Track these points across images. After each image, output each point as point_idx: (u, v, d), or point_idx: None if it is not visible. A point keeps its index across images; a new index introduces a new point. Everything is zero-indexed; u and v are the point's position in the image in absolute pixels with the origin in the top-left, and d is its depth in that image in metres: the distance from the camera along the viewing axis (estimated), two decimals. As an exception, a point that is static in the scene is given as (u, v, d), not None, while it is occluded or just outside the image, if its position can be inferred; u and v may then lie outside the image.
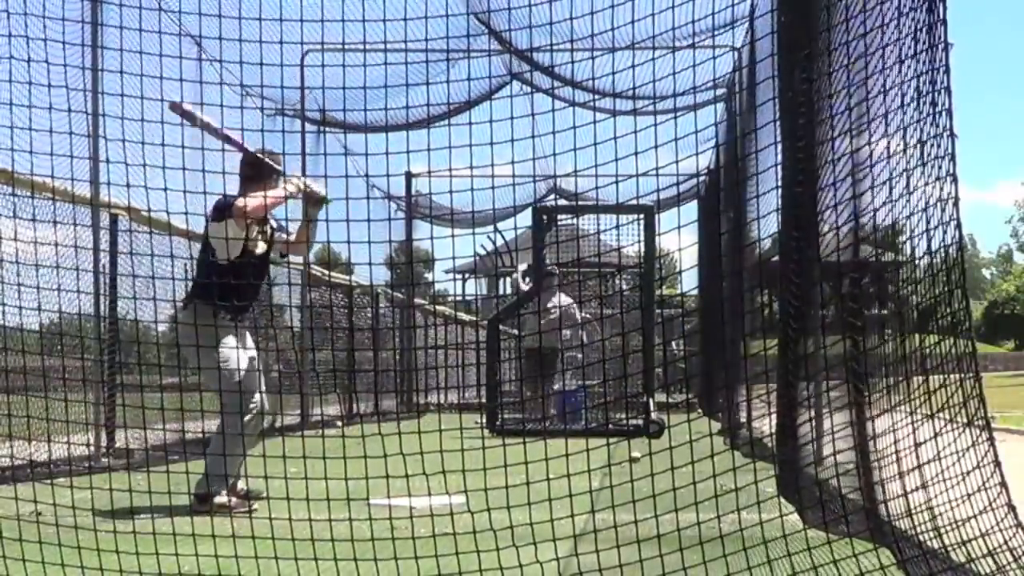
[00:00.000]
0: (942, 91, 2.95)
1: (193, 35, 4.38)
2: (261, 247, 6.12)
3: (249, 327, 6.30)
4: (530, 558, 3.57)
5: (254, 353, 6.16)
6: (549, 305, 12.27)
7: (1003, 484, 2.91)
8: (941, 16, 2.99)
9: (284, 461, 4.16)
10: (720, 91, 10.56)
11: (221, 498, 5.73)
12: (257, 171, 5.96)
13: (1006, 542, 2.90)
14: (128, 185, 4.25)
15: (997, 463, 2.92)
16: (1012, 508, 2.91)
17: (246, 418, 5.77)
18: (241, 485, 6.01)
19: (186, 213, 4.22)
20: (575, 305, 12.73)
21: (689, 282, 20.30)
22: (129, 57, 3.99)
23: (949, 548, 3.07)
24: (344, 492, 3.92)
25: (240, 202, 5.78)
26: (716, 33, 7.92)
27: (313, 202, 6.06)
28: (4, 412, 5.11)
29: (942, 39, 2.98)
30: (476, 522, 3.74)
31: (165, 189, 3.89)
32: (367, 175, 14.01)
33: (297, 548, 3.63)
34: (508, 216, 17.40)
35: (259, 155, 6.01)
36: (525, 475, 3.76)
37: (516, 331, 12.13)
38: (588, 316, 12.56)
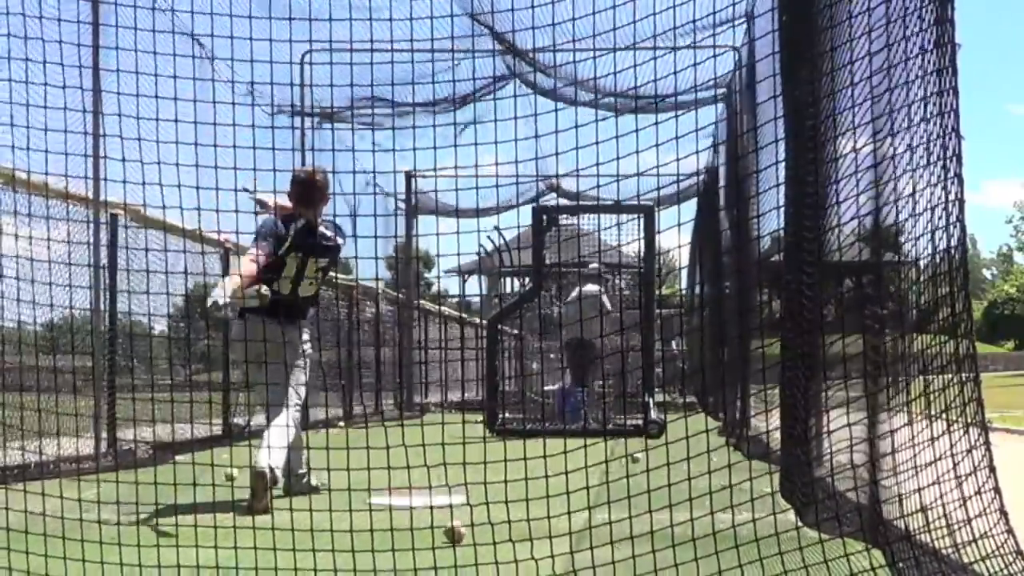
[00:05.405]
0: (948, 92, 2.94)
1: (190, 33, 4.36)
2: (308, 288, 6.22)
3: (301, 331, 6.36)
4: (526, 555, 3.57)
5: (305, 355, 6.34)
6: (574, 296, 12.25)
7: (996, 489, 2.90)
8: (949, 16, 2.97)
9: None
10: (720, 90, 10.53)
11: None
12: (303, 192, 6.10)
13: (998, 548, 2.89)
14: (125, 182, 4.24)
15: (992, 468, 2.91)
16: (1004, 514, 2.90)
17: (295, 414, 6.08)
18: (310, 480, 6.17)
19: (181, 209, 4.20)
20: (604, 294, 12.57)
21: (689, 280, 20.27)
22: (132, 57, 3.98)
23: (941, 552, 3.06)
24: (345, 490, 3.92)
25: (246, 268, 5.91)
26: (716, 32, 7.91)
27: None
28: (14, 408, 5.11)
29: (950, 39, 2.97)
30: (475, 519, 3.73)
31: (179, 186, 3.89)
32: (374, 175, 13.97)
33: (297, 544, 3.62)
34: (508, 211, 17.34)
35: (308, 176, 6.13)
36: (524, 473, 3.76)
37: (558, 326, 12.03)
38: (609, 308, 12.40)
